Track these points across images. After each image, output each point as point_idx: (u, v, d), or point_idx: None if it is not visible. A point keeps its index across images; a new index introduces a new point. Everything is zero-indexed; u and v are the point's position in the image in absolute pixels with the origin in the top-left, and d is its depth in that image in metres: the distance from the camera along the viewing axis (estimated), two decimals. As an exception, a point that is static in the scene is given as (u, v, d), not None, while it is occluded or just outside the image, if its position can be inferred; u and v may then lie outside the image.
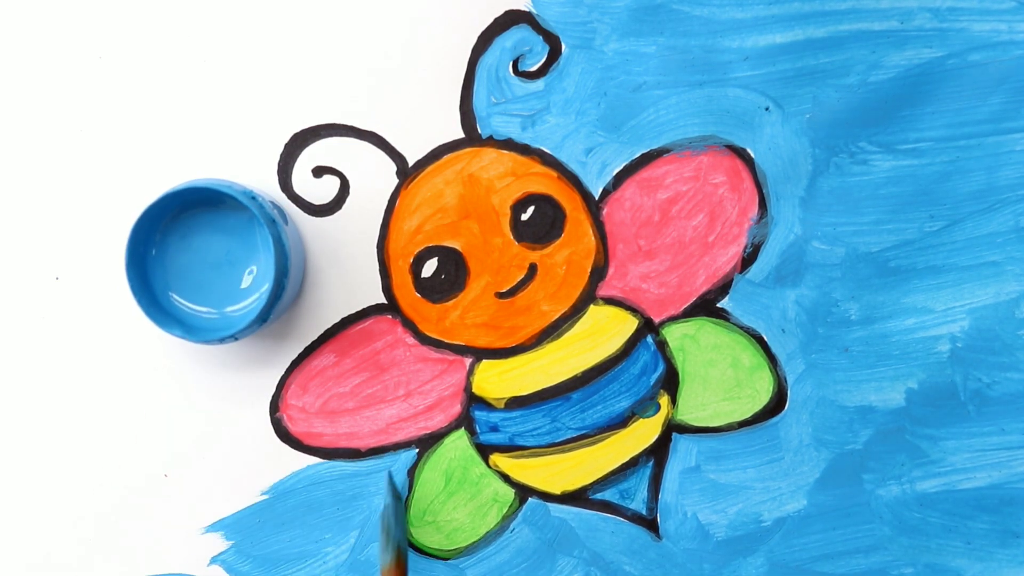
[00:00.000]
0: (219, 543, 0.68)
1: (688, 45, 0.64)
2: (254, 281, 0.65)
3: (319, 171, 0.66)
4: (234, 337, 0.62)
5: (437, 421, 0.67)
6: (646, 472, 0.66)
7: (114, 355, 0.67)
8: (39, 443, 0.68)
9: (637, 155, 0.65)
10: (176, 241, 0.64)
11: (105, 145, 0.67)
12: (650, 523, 0.66)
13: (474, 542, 0.67)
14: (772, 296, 0.65)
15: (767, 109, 0.64)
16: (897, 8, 0.63)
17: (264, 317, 0.62)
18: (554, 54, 0.65)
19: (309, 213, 0.66)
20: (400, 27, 0.65)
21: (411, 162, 0.66)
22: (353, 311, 0.66)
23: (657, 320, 0.66)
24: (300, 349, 0.67)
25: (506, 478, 0.67)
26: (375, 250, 0.66)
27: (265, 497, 0.67)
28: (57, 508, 0.68)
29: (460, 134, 0.66)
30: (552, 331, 0.66)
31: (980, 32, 0.63)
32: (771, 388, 0.65)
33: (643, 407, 0.66)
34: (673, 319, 0.66)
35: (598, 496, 0.67)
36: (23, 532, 0.68)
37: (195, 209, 0.64)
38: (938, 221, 0.64)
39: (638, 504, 0.66)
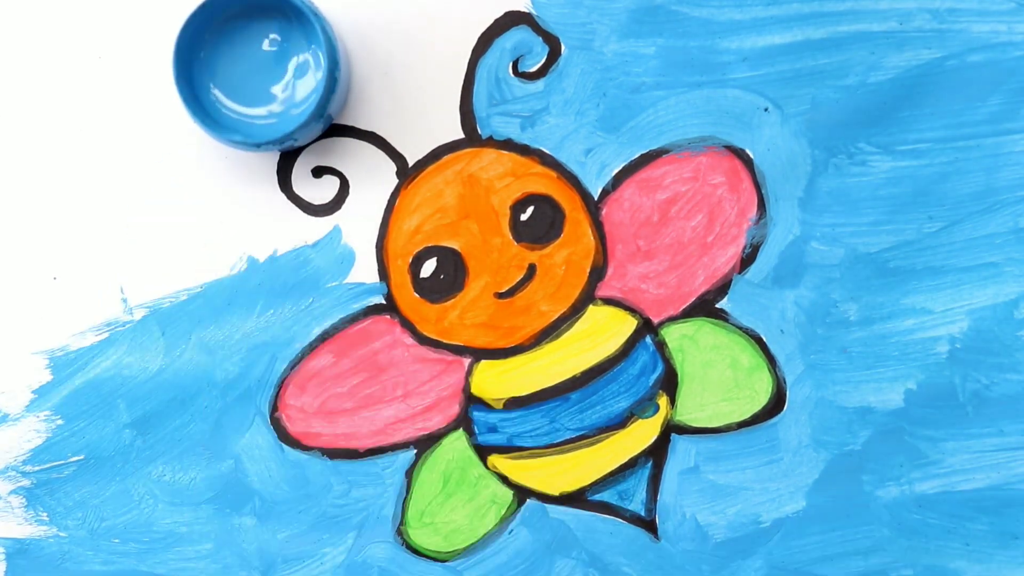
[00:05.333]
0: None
1: (687, 46, 0.65)
2: (305, 81, 0.63)
3: (319, 171, 0.66)
4: (294, 138, 0.60)
5: (435, 422, 0.67)
6: (645, 473, 0.66)
7: (113, 355, 0.67)
8: (40, 443, 0.68)
9: (636, 155, 0.65)
10: (225, 49, 0.63)
11: (105, 145, 0.67)
12: (649, 524, 0.66)
13: (472, 544, 0.67)
14: (771, 297, 0.65)
15: (766, 110, 0.64)
16: (896, 9, 0.63)
17: (320, 113, 0.60)
18: (554, 55, 0.65)
19: (309, 213, 0.66)
20: (400, 27, 0.66)
21: (411, 162, 0.66)
22: (352, 311, 0.66)
23: (656, 320, 0.66)
24: (299, 349, 0.67)
25: (504, 479, 0.67)
26: (375, 250, 0.66)
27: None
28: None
29: (460, 134, 0.66)
30: (551, 331, 0.66)
31: (979, 33, 0.63)
32: (770, 389, 0.65)
33: (642, 408, 0.66)
34: (672, 319, 0.66)
35: (597, 497, 0.66)
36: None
37: (241, 19, 0.63)
38: (937, 222, 0.64)
39: (637, 505, 0.66)
